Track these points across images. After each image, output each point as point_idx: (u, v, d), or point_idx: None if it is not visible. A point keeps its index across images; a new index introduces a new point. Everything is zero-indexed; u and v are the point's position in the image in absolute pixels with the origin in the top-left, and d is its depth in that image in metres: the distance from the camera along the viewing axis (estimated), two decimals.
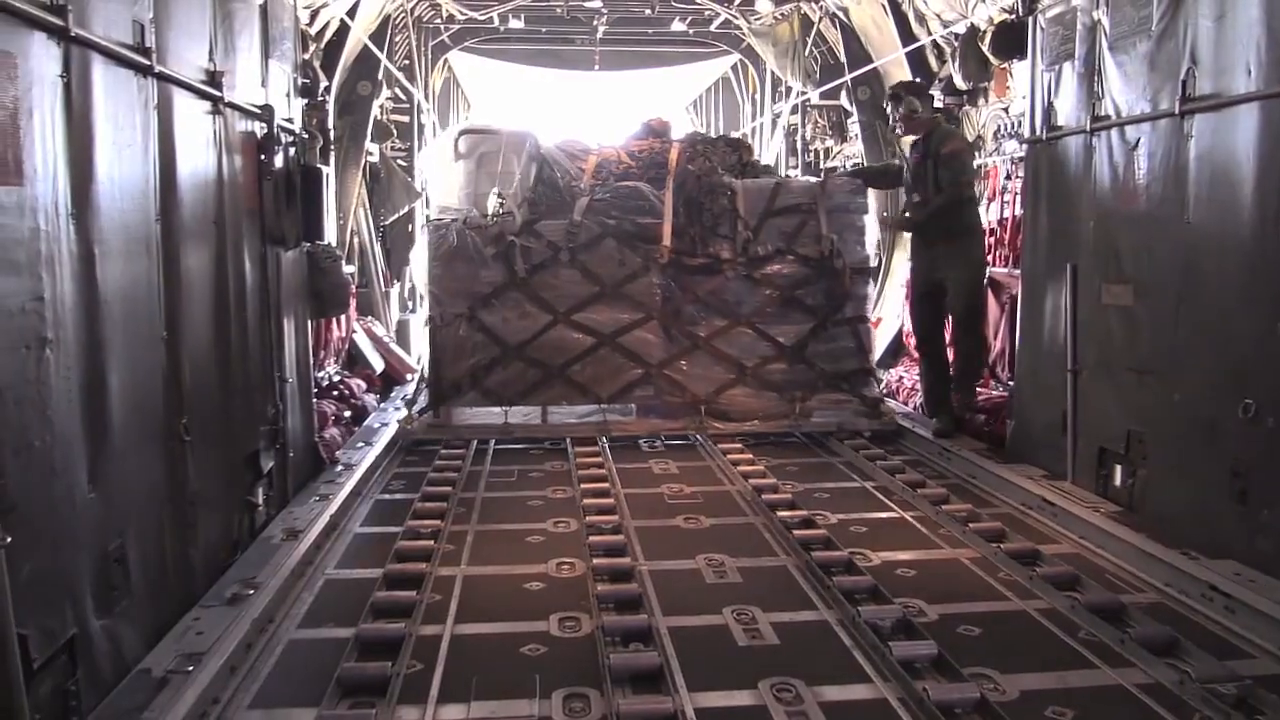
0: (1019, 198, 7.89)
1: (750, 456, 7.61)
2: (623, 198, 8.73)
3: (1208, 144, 5.42)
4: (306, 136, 7.28)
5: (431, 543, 5.61)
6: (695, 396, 8.54)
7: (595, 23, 14.75)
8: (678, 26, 14.74)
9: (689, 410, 8.53)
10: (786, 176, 11.16)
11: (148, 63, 4.31)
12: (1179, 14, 5.64)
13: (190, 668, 3.87)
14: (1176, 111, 5.59)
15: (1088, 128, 6.52)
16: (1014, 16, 7.77)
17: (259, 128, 6.06)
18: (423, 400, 8.66)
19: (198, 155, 5.04)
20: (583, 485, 6.76)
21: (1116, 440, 6.22)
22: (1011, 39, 7.89)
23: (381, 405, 9.53)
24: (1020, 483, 6.61)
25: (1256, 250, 5.05)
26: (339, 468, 7.12)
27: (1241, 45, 5.13)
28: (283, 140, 6.46)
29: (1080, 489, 6.47)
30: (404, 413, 8.64)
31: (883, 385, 9.61)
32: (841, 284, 8.69)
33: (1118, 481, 6.23)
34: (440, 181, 9.24)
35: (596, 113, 20.19)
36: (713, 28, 15.01)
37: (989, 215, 9.15)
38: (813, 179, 10.38)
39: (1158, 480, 5.87)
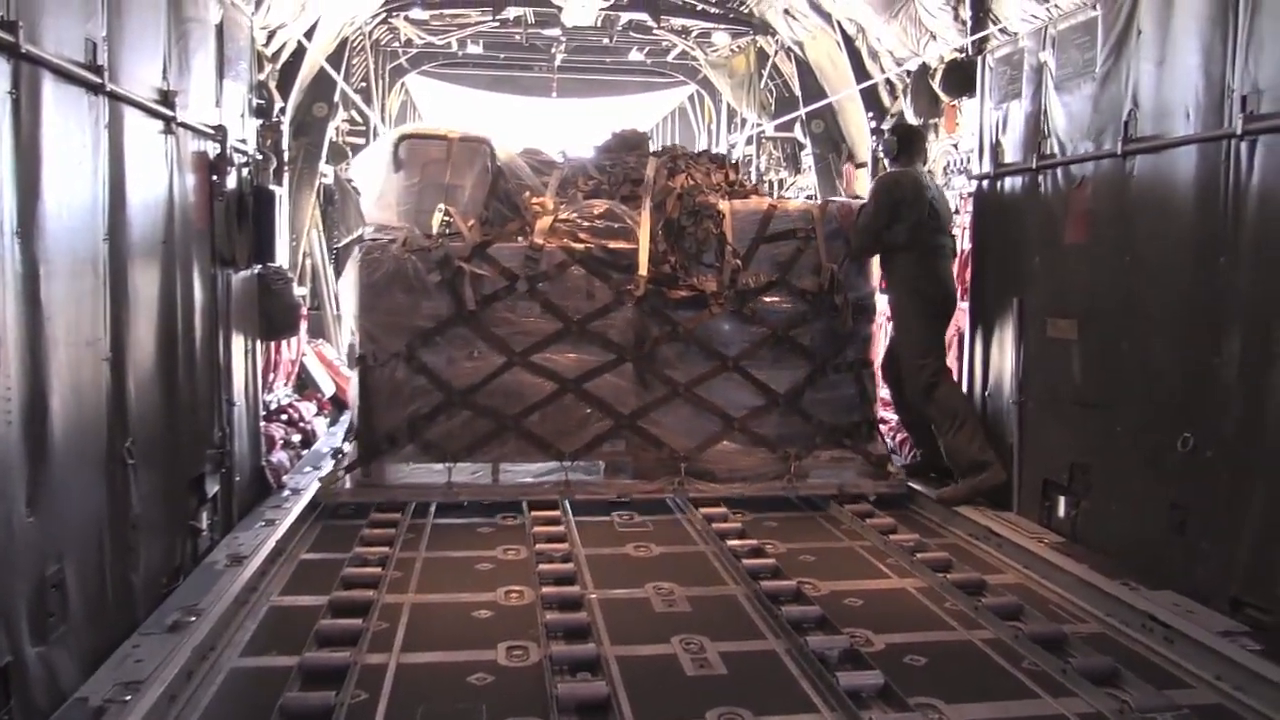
0: (967, 232, 8.02)
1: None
2: (591, 219, 7.54)
3: (1148, 184, 5.58)
4: (260, 157, 7.24)
5: (379, 569, 5.55)
6: (674, 453, 7.24)
7: (554, 50, 14.83)
8: (635, 56, 14.87)
9: (666, 469, 7.22)
10: (782, 197, 10.08)
11: (99, 81, 4.27)
12: (1121, 58, 5.82)
13: (128, 697, 3.80)
14: (1119, 152, 5.76)
15: (1033, 165, 6.68)
16: (964, 55, 7.95)
17: (212, 148, 6.01)
18: (350, 454, 7.19)
19: (148, 175, 4.99)
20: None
21: (1060, 472, 6.34)
22: (961, 77, 8.05)
23: (332, 429, 9.42)
24: (967, 513, 6.69)
25: (1194, 287, 5.20)
26: (286, 492, 7.03)
27: (1181, 89, 5.30)
28: (236, 161, 6.42)
29: (1025, 520, 6.57)
30: (327, 467, 7.36)
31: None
32: (842, 322, 7.50)
33: (1061, 513, 6.34)
34: (376, 195, 7.82)
35: (555, 138, 20.23)
36: (670, 58, 15.16)
37: None
38: (810, 201, 9.44)
39: (1100, 512, 5.98)
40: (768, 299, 7.56)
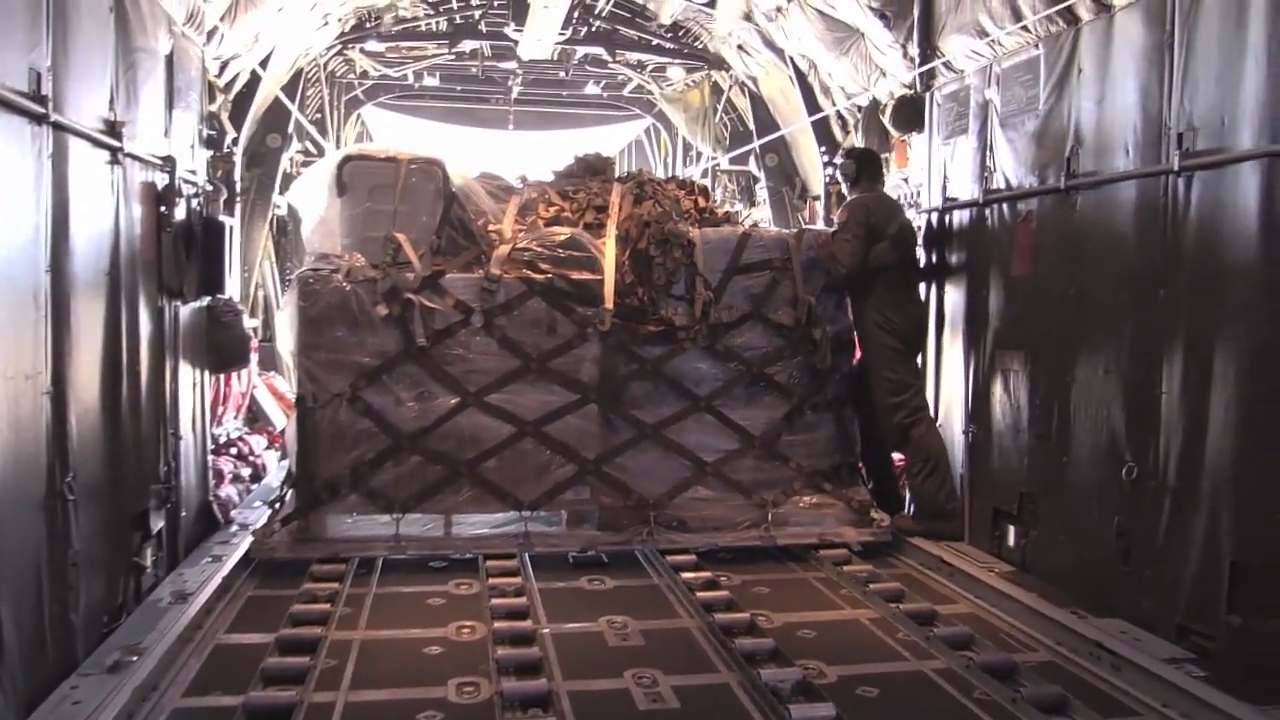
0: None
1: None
2: (554, 248, 6.89)
3: (1090, 218, 5.71)
4: (210, 188, 7.17)
5: (329, 605, 5.46)
6: (643, 501, 6.74)
7: (510, 83, 14.92)
8: (592, 90, 14.99)
9: (634, 518, 6.72)
10: (755, 225, 9.37)
11: (43, 111, 4.22)
12: (1063, 96, 5.96)
13: None
14: (1062, 187, 5.88)
15: (980, 199, 6.80)
16: (913, 92, 8.09)
17: (160, 179, 5.95)
18: (288, 505, 6.55)
19: (94, 206, 4.92)
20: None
21: (1010, 501, 6.41)
22: (911, 113, 8.19)
23: (282, 462, 9.29)
24: (918, 543, 6.74)
25: (1135, 319, 5.31)
26: (234, 528, 6.90)
27: (1120, 126, 5.45)
28: (185, 192, 6.36)
29: (976, 549, 6.63)
30: (263, 518, 6.68)
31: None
32: (821, 358, 6.96)
33: (1011, 542, 6.40)
34: (317, 221, 7.14)
35: (512, 170, 20.28)
36: (626, 92, 15.30)
37: None
38: (785, 230, 9.00)
39: (1049, 541, 6.05)
40: (742, 334, 7.04)
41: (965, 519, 6.91)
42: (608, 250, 6.90)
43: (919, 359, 7.41)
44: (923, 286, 7.58)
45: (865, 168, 7.55)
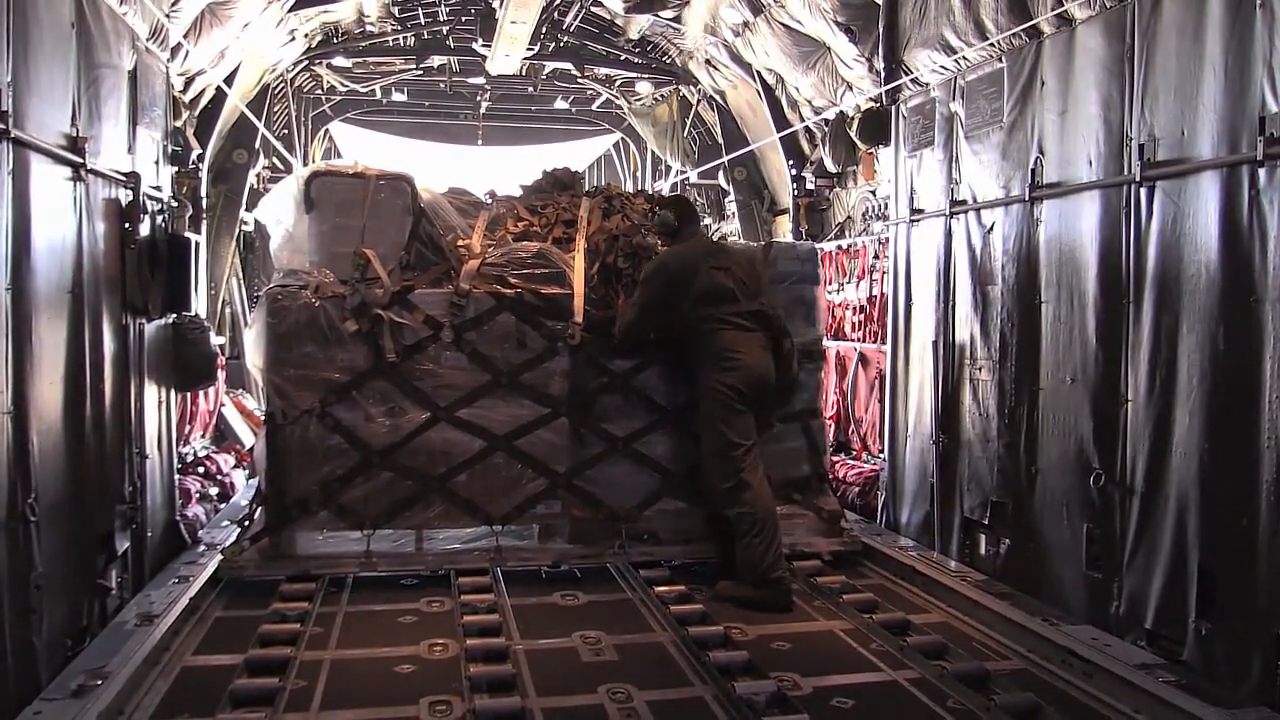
0: (886, 276, 8.20)
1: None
2: (523, 262, 6.88)
3: (1055, 229, 5.78)
4: (175, 204, 7.11)
5: (299, 625, 5.39)
6: (614, 513, 6.72)
7: (479, 98, 14.91)
8: (560, 105, 15.01)
9: (605, 532, 6.71)
10: (724, 238, 9.27)
11: (2, 126, 4.17)
12: (1027, 108, 6.04)
13: None
14: (1026, 198, 5.96)
15: (947, 211, 6.87)
16: (879, 105, 8.17)
17: (124, 195, 5.89)
18: (257, 523, 6.46)
19: (55, 222, 4.86)
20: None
21: (980, 510, 6.45)
22: (877, 126, 8.27)
23: (250, 481, 9.18)
24: (891, 553, 6.75)
25: (1100, 327, 5.38)
26: (201, 548, 6.82)
27: (1083, 138, 5.52)
28: (149, 208, 6.30)
29: (948, 558, 6.66)
30: (231, 536, 6.63)
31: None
32: (788, 370, 6.59)
33: (983, 550, 6.44)
34: (285, 238, 7.10)
35: (481, 184, 20.27)
36: (594, 107, 15.33)
37: (859, 293, 9.48)
38: (753, 243, 8.69)
39: (1019, 549, 6.10)
40: None
41: (935, 528, 6.94)
42: (577, 264, 6.88)
43: (751, 412, 6.27)
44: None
45: (685, 217, 6.68)
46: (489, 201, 7.74)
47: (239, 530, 6.52)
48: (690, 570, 6.56)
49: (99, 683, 4.40)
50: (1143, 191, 5.04)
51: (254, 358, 6.68)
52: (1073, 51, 5.65)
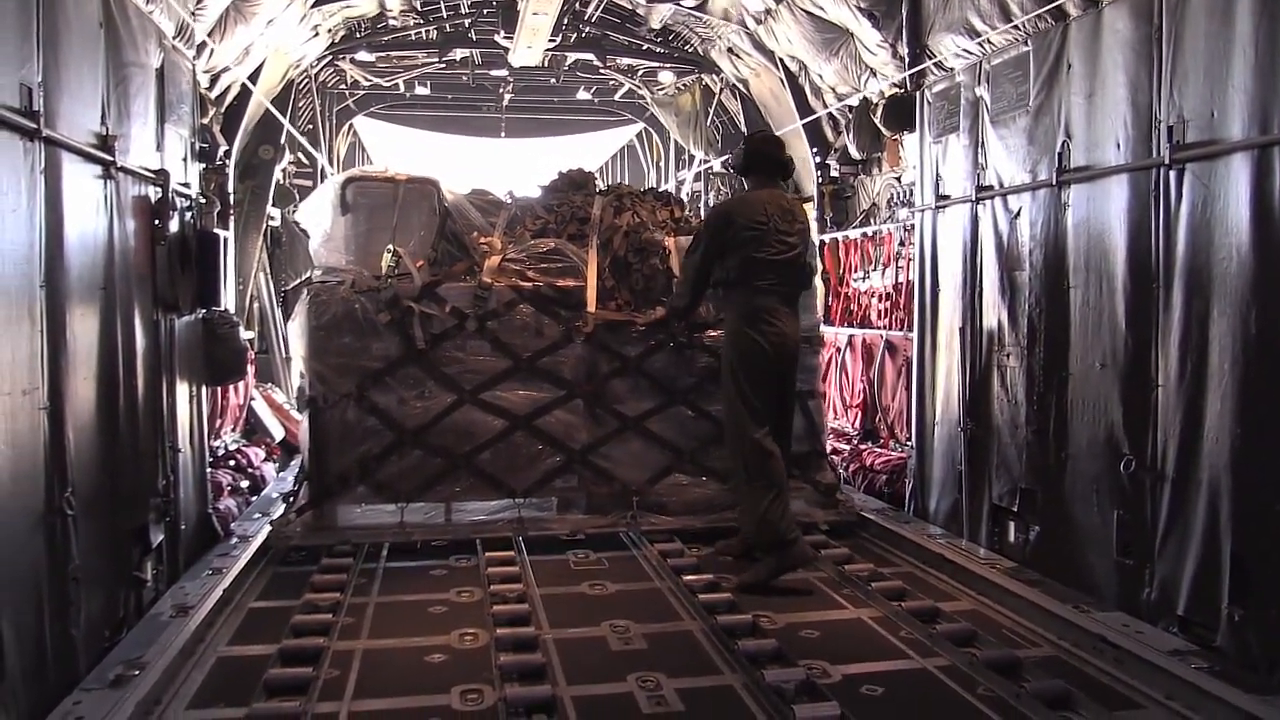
0: (912, 263, 8.16)
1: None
2: (540, 257, 7.50)
3: (1083, 213, 5.73)
4: (204, 201, 7.18)
5: (330, 616, 5.45)
6: (626, 486, 7.26)
7: (501, 91, 14.92)
8: (583, 96, 14.99)
9: (619, 503, 7.26)
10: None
11: (35, 126, 4.22)
12: (1053, 92, 5.98)
13: None
14: (1054, 182, 5.90)
15: (973, 197, 6.82)
16: (903, 91, 8.12)
17: (153, 192, 5.95)
18: (302, 497, 7.05)
19: (87, 220, 4.92)
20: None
21: (1009, 497, 6.42)
22: (902, 112, 8.22)
23: (281, 475, 9.28)
24: (920, 541, 6.73)
25: (1130, 312, 5.33)
26: (234, 540, 6.89)
27: (1110, 121, 5.46)
28: (178, 205, 6.36)
29: (976, 545, 6.63)
30: (276, 513, 7.20)
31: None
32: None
33: (1012, 538, 6.41)
34: (324, 238, 7.77)
35: (504, 178, 20.34)
36: (617, 97, 15.31)
37: (885, 281, 9.43)
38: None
39: (1049, 535, 6.06)
40: (714, 332, 7.26)
41: (964, 515, 6.91)
42: (590, 259, 7.47)
43: (771, 386, 6.33)
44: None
45: (753, 163, 6.54)
46: (509, 201, 8.29)
47: (284, 505, 7.12)
48: (720, 561, 6.58)
49: (136, 673, 4.46)
50: (1172, 174, 4.98)
51: (297, 348, 7.25)
52: (1100, 33, 5.59)
